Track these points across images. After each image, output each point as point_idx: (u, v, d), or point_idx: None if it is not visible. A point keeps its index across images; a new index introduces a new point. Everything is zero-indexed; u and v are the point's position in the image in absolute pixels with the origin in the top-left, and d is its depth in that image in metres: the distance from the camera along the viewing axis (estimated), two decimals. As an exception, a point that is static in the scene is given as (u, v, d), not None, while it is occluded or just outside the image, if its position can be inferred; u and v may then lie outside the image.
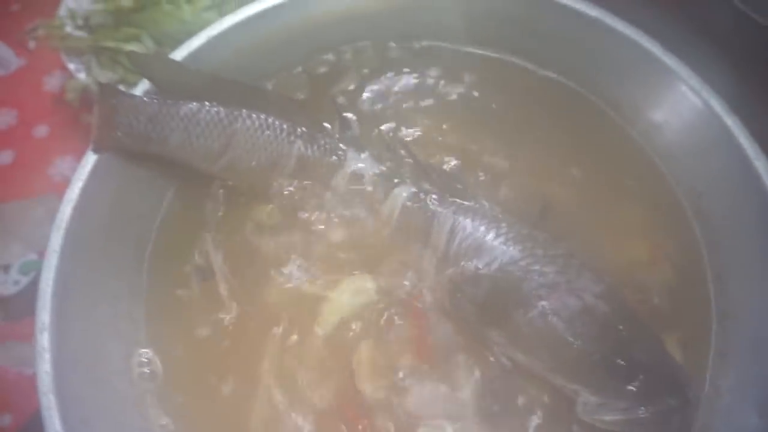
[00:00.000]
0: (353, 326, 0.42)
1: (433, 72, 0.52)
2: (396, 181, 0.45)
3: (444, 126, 0.50)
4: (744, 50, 0.46)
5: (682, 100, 0.45)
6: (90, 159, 0.42)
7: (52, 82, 0.69)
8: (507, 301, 0.40)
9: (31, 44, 0.71)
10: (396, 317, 0.42)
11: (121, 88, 0.44)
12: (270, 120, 0.45)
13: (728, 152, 0.42)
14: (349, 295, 0.43)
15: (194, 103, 0.44)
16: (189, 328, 0.43)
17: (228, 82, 0.45)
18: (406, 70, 0.52)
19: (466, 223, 0.42)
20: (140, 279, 0.45)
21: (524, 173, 0.48)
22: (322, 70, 0.52)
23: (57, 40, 0.62)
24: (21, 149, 0.65)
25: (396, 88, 0.51)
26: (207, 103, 0.44)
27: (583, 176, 0.48)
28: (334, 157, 0.45)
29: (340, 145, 0.46)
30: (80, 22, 0.63)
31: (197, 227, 0.46)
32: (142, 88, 0.44)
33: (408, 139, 0.49)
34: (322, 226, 0.45)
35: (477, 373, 0.40)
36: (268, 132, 0.45)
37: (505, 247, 0.41)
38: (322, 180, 0.45)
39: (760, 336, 0.40)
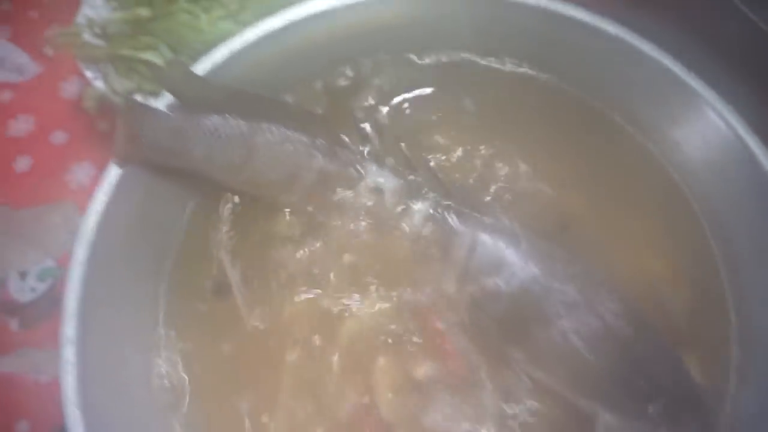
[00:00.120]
0: (372, 342, 0.42)
1: (453, 85, 0.52)
2: (416, 195, 0.45)
3: (463, 140, 0.49)
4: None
5: (703, 118, 0.45)
6: (114, 171, 0.42)
7: (69, 89, 0.69)
8: (527, 318, 0.40)
9: (49, 51, 0.71)
10: (415, 333, 0.42)
11: (139, 97, 0.44)
12: (290, 133, 0.45)
13: (750, 172, 0.42)
14: (368, 310, 0.43)
15: (216, 117, 0.44)
16: (208, 341, 0.43)
17: (248, 94, 0.46)
18: (425, 83, 0.52)
19: (486, 239, 0.42)
20: (160, 292, 0.45)
21: (543, 189, 0.48)
22: (342, 83, 0.52)
23: (74, 47, 0.62)
24: (38, 156, 0.65)
25: (415, 102, 0.51)
26: (228, 116, 0.44)
27: (602, 193, 0.48)
28: (354, 171, 0.45)
29: (360, 158, 0.46)
30: (98, 30, 0.63)
31: (216, 240, 0.46)
32: (164, 101, 0.45)
33: (427, 154, 0.49)
34: (342, 240, 0.45)
35: (497, 391, 0.40)
36: (288, 145, 0.45)
37: (524, 264, 0.41)
38: (342, 193, 0.46)
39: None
